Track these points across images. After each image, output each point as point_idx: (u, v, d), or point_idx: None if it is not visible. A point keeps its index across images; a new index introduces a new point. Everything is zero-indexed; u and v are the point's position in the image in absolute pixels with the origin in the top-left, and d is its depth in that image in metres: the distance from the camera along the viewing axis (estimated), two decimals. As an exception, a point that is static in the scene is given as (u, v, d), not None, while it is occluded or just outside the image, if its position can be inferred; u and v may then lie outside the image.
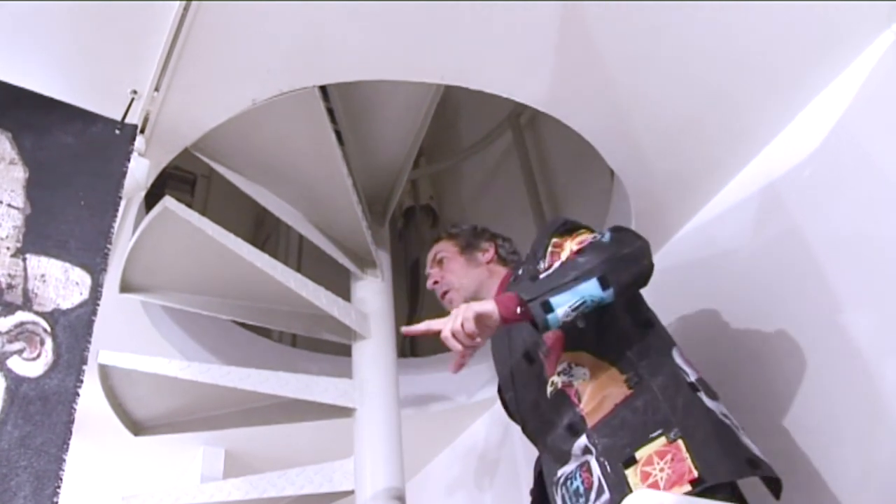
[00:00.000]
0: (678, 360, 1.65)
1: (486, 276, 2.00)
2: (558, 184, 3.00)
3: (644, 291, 1.72)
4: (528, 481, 2.54)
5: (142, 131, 1.86)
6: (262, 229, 3.31)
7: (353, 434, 2.06)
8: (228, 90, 1.87)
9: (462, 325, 1.47)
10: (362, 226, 2.25)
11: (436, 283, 2.06)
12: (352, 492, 2.00)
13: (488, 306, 1.50)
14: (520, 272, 1.89)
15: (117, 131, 1.79)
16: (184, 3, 1.64)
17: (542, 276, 1.58)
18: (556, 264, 1.60)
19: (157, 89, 1.82)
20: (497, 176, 3.34)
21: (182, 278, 2.06)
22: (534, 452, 1.80)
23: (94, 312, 1.53)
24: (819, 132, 1.88)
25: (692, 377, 1.61)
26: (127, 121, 1.81)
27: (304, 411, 2.12)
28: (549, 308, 1.47)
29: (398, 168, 2.42)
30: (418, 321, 1.60)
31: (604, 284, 1.51)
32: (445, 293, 2.02)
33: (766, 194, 2.00)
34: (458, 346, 1.50)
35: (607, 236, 1.62)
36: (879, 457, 1.58)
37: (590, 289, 1.49)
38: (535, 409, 1.73)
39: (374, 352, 2.19)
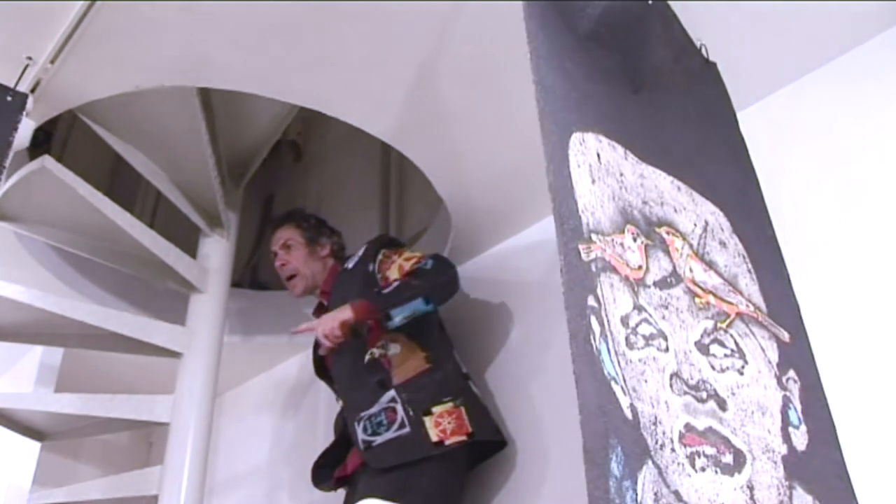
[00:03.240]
0: (456, 356, 2.41)
1: (321, 269, 2.64)
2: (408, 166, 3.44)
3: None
4: (325, 420, 3.11)
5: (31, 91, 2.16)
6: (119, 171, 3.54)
7: (178, 375, 2.53)
8: (117, 73, 2.19)
9: (331, 330, 2.21)
10: (217, 190, 2.65)
11: (283, 265, 2.65)
12: (167, 424, 2.49)
13: (348, 314, 2.22)
14: (349, 265, 2.54)
15: (9, 98, 2.08)
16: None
17: (385, 290, 2.27)
18: (395, 283, 2.28)
19: (52, 62, 2.11)
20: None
21: (51, 217, 2.41)
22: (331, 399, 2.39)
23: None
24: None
25: (464, 369, 2.39)
26: (19, 88, 2.10)
27: (137, 347, 2.56)
28: (389, 317, 2.24)
29: (262, 141, 2.81)
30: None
31: (427, 301, 2.29)
32: (291, 277, 2.64)
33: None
34: (328, 343, 2.24)
35: (430, 264, 2.33)
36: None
37: (417, 304, 2.27)
38: (349, 369, 2.37)
39: (207, 306, 2.63)
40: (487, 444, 2.27)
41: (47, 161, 2.21)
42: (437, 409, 2.18)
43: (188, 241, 2.74)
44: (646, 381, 1.13)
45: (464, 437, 2.14)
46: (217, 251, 2.73)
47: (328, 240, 2.69)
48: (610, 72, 1.66)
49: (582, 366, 0.98)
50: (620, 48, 1.70)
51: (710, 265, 1.47)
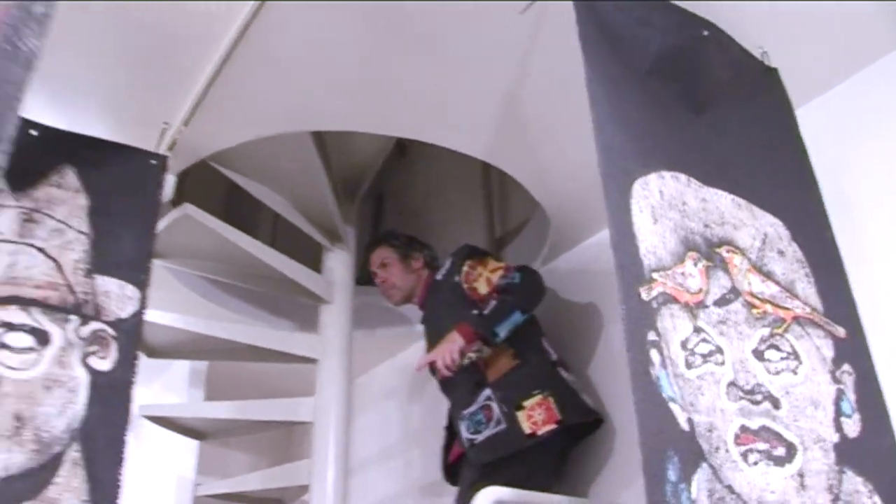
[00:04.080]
0: (545, 345, 2.68)
1: (416, 280, 2.98)
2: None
3: (552, 285, 2.85)
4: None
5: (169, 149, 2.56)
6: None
7: (316, 379, 2.94)
8: (239, 126, 2.56)
9: (451, 360, 2.46)
10: (334, 209, 3.02)
11: (382, 282, 3.02)
12: (311, 422, 2.90)
13: (460, 342, 2.48)
14: (438, 277, 2.87)
15: (153, 161, 2.48)
16: (216, 65, 2.31)
17: (485, 311, 2.54)
18: (492, 304, 2.54)
19: (185, 124, 2.50)
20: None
21: (194, 252, 2.84)
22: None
23: (142, 319, 2.31)
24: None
25: (553, 357, 2.66)
26: (158, 150, 2.50)
27: (278, 356, 2.97)
28: (496, 335, 2.50)
29: (372, 159, 3.16)
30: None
31: (523, 312, 2.56)
32: (388, 290, 3.01)
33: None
34: (447, 373, 2.50)
35: (517, 278, 2.60)
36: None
37: (516, 318, 2.54)
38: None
39: (336, 314, 3.03)
40: (582, 424, 2.57)
41: (188, 208, 2.62)
42: (527, 403, 2.47)
43: (308, 252, 3.13)
44: (702, 395, 1.41)
45: (554, 425, 2.43)
46: (340, 263, 3.11)
47: (419, 253, 3.03)
48: (670, 101, 1.90)
49: (640, 394, 1.27)
50: (679, 77, 1.93)
51: (768, 275, 1.72)
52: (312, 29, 2.17)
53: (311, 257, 3.15)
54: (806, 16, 2.14)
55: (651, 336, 1.38)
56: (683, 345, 1.45)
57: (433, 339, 2.75)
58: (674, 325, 1.45)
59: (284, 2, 2.04)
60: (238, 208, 3.65)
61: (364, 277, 3.98)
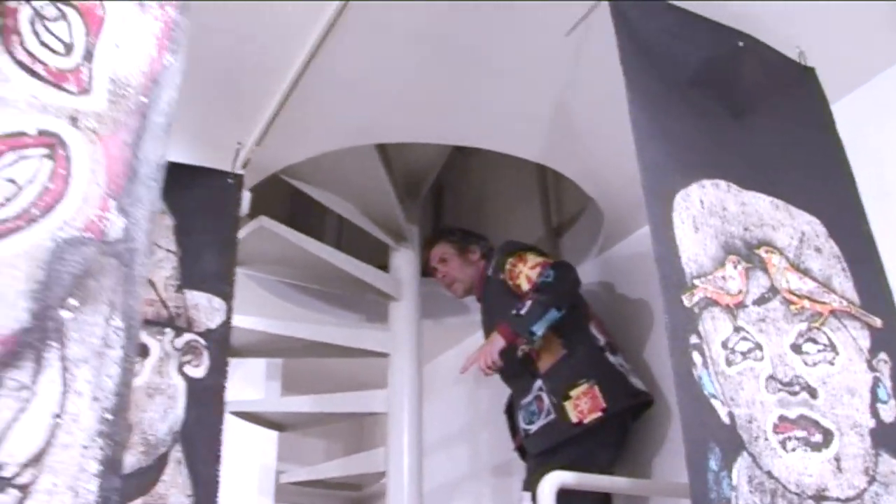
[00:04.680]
0: (593, 330, 2.83)
1: (475, 272, 3.14)
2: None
3: (601, 272, 3.13)
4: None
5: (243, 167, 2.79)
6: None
7: (389, 372, 3.17)
8: (308, 143, 2.78)
9: (492, 361, 2.65)
10: (398, 211, 3.23)
11: (443, 276, 3.19)
12: (385, 413, 3.14)
13: (501, 343, 2.65)
14: (489, 272, 3.02)
15: (230, 181, 2.72)
16: (286, 89, 2.52)
17: (522, 311, 2.68)
18: (527, 304, 2.68)
19: (258, 144, 2.73)
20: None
21: (271, 259, 3.09)
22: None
23: (230, 328, 2.55)
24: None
25: (601, 342, 2.80)
26: (234, 170, 2.73)
27: (352, 352, 3.21)
28: (533, 333, 2.65)
29: (433, 162, 3.37)
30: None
31: (558, 309, 2.68)
32: (450, 284, 3.18)
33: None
34: (490, 372, 2.72)
35: (551, 276, 2.73)
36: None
37: (551, 315, 2.67)
38: (509, 363, 2.82)
39: (404, 310, 3.25)
40: (633, 406, 2.75)
41: (264, 220, 2.85)
42: (574, 393, 2.65)
43: (372, 247, 3.38)
44: (742, 389, 1.58)
45: (599, 414, 2.60)
46: (405, 262, 3.33)
47: (476, 245, 3.20)
48: (709, 109, 2.05)
49: (683, 394, 1.45)
50: (717, 85, 2.08)
51: (806, 272, 1.87)
52: (377, 51, 2.36)
53: (376, 253, 3.37)
54: (842, 10, 2.25)
55: (693, 339, 1.55)
56: (724, 344, 1.62)
57: (487, 334, 2.95)
58: (715, 327, 1.62)
59: (350, 28, 2.22)
60: (303, 211, 3.90)
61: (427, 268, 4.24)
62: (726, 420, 1.51)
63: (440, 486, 4.07)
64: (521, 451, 2.92)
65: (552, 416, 2.66)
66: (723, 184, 1.90)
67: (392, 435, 3.09)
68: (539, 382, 2.75)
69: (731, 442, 1.49)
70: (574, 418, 2.61)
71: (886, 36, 2.36)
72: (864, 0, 2.23)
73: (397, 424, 3.09)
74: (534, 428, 2.71)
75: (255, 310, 3.14)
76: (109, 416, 1.07)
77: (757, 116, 2.13)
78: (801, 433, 1.60)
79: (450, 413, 4.23)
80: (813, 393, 1.67)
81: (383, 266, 3.38)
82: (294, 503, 4.42)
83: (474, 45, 2.35)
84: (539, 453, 2.71)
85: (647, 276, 3.22)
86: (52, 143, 1.18)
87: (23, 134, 1.17)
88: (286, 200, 3.97)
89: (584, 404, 2.63)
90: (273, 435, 4.02)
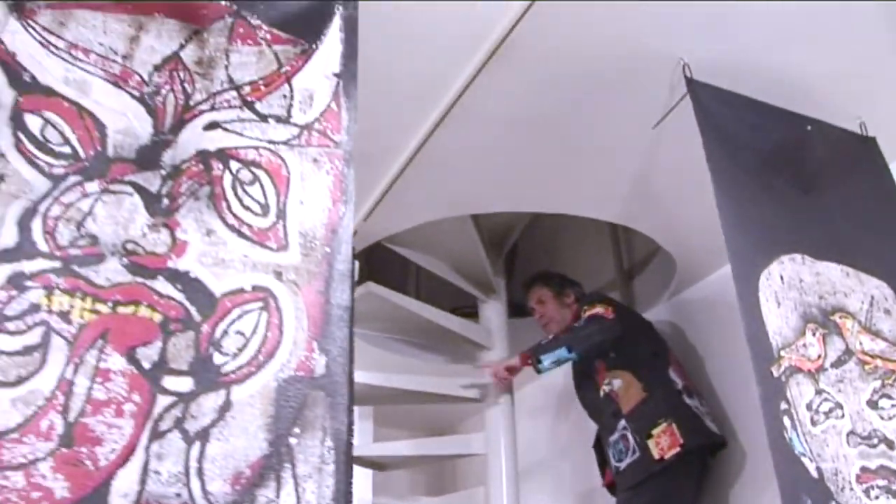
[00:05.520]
0: (672, 374, 3.14)
1: (570, 313, 3.46)
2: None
3: (674, 314, 3.43)
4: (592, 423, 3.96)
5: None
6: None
7: (484, 416, 3.49)
8: (409, 216, 3.14)
9: (502, 377, 3.23)
10: (487, 267, 3.56)
11: (540, 316, 3.52)
12: (484, 454, 3.46)
13: (515, 361, 3.18)
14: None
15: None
16: (394, 173, 2.86)
17: (543, 342, 3.12)
18: (551, 336, 3.19)
19: (365, 219, 3.08)
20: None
21: (375, 317, 3.44)
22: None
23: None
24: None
25: (679, 385, 3.10)
26: (347, 241, 3.08)
27: (449, 399, 3.54)
28: (540, 361, 3.04)
29: (517, 220, 3.70)
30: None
31: (569, 350, 3.08)
32: (546, 324, 3.50)
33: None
34: (498, 382, 3.31)
35: (582, 323, 3.16)
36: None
37: (562, 352, 3.07)
38: (593, 402, 3.26)
39: (496, 358, 3.56)
40: (709, 446, 3.04)
41: (371, 286, 3.21)
42: (655, 431, 2.95)
43: (450, 296, 3.72)
44: (827, 446, 1.88)
45: (678, 449, 2.89)
46: (494, 313, 3.66)
47: (571, 290, 3.55)
48: (782, 188, 2.35)
49: (778, 454, 1.74)
50: (789, 165, 2.38)
51: (877, 334, 2.16)
52: (478, 136, 2.69)
53: (452, 301, 3.72)
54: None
55: (783, 406, 1.85)
56: (809, 406, 1.92)
57: (576, 372, 3.39)
58: (800, 392, 1.92)
59: (456, 117, 2.55)
60: (384, 264, 4.26)
61: (511, 310, 4.56)
62: (815, 475, 1.80)
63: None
64: (611, 486, 3.22)
65: (637, 455, 2.97)
66: (798, 257, 2.20)
67: (491, 473, 3.41)
68: (623, 422, 3.07)
69: (821, 493, 1.78)
70: (656, 455, 2.93)
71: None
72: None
73: (495, 463, 3.41)
74: (623, 465, 3.02)
75: (365, 361, 3.49)
76: (329, 519, 1.39)
77: (826, 189, 2.41)
78: (882, 482, 1.88)
79: (533, 445, 4.53)
80: (891, 445, 1.95)
81: (460, 308, 3.73)
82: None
83: (566, 127, 2.67)
84: (628, 488, 3.01)
85: (720, 319, 3.52)
86: (264, 297, 1.50)
87: (242, 290, 1.48)
88: (360, 257, 4.32)
89: (664, 441, 2.93)
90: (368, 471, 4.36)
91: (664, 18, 2.21)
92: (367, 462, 3.73)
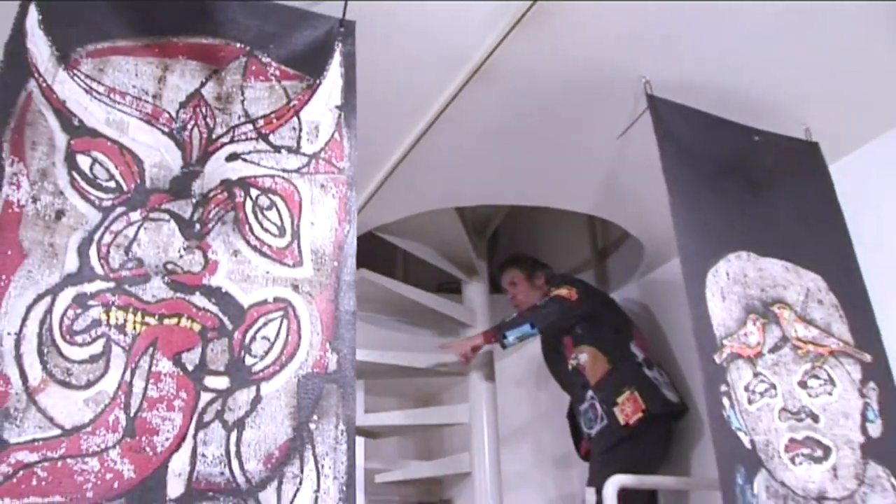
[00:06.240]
0: (633, 348, 3.47)
1: (540, 294, 3.75)
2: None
3: (643, 293, 3.73)
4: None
5: (345, 228, 3.43)
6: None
7: (469, 389, 3.82)
8: (398, 207, 3.43)
9: (464, 354, 3.53)
10: (470, 251, 3.88)
11: (512, 297, 3.86)
12: (467, 423, 3.80)
13: (479, 340, 3.54)
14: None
15: (338, 242, 3.36)
16: (385, 173, 3.16)
17: (507, 320, 3.46)
18: (515, 315, 3.52)
19: (359, 211, 3.36)
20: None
21: (368, 299, 3.74)
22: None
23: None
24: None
25: (640, 358, 3.43)
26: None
27: (433, 373, 3.86)
28: (505, 337, 3.40)
29: (499, 207, 4.00)
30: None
31: (532, 326, 3.45)
32: (518, 304, 3.82)
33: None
34: (464, 360, 3.57)
35: (543, 302, 3.52)
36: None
37: (525, 329, 3.44)
38: (563, 375, 3.62)
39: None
40: (670, 413, 3.38)
41: (364, 272, 3.51)
42: (619, 399, 3.30)
43: (433, 276, 4.03)
44: (761, 421, 2.21)
45: (640, 414, 3.24)
46: (477, 293, 3.98)
47: (542, 272, 3.89)
48: (733, 192, 2.64)
49: (716, 429, 2.07)
50: (738, 171, 2.68)
51: (811, 322, 2.48)
52: (464, 142, 2.97)
53: (435, 280, 4.03)
54: (842, 93, 2.81)
55: (723, 388, 2.18)
56: (746, 388, 2.25)
57: (545, 346, 3.76)
58: (739, 376, 2.25)
59: (441, 126, 2.83)
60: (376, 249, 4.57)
61: (492, 287, 4.89)
62: (748, 446, 2.14)
63: (509, 477, 4.74)
64: (587, 457, 3.57)
65: (605, 422, 3.33)
66: (744, 254, 2.51)
67: (474, 440, 3.75)
68: (591, 392, 3.42)
69: (753, 462, 2.11)
70: (622, 421, 3.28)
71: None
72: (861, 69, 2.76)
73: (478, 432, 3.75)
74: (594, 432, 3.38)
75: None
76: (345, 488, 1.70)
77: (772, 191, 2.72)
78: (806, 450, 2.22)
79: (515, 412, 4.88)
80: (815, 418, 2.29)
81: (446, 283, 4.04)
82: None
83: (542, 136, 2.96)
84: (600, 453, 3.36)
85: (682, 299, 3.85)
86: (284, 307, 1.81)
87: (265, 302, 1.79)
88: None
89: (628, 408, 3.29)
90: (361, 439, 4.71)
91: (628, 41, 2.48)
92: (360, 431, 4.07)
